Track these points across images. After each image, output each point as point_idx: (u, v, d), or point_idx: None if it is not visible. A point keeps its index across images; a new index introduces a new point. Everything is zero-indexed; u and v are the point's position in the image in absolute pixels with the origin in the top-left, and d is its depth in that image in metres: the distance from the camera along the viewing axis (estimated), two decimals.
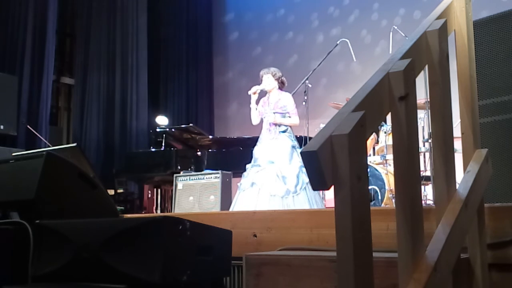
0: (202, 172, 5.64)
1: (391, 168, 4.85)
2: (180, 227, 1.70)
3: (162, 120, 7.97)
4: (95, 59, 8.47)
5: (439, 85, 1.54)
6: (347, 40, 5.45)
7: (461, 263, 1.57)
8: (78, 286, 1.74)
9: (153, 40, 9.42)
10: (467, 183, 1.60)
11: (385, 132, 5.24)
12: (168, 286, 1.62)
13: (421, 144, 4.61)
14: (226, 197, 5.17)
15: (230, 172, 5.39)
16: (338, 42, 5.41)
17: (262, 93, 4.83)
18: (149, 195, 7.25)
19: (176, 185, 5.45)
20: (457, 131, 1.76)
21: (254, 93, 4.74)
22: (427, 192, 4.86)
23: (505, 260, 1.76)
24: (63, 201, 2.09)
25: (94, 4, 8.58)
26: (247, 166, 4.72)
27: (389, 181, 4.73)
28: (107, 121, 8.42)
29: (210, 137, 6.91)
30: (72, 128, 8.56)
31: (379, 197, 4.77)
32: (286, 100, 4.71)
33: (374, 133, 5.25)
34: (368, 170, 4.42)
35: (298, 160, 4.51)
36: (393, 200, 4.52)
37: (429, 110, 3.28)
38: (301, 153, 1.05)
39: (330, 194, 4.93)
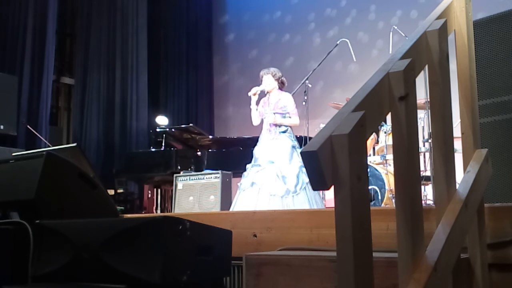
0: (202, 172, 5.64)
1: (391, 168, 4.85)
2: (180, 227, 1.70)
3: (162, 120, 7.97)
4: (95, 59, 8.47)
5: (439, 85, 1.54)
6: (347, 40, 5.45)
7: (461, 263, 1.57)
8: (78, 286, 1.74)
9: (153, 40, 9.42)
10: (467, 183, 1.60)
11: (385, 132, 5.24)
12: (168, 286, 1.62)
13: (421, 144, 4.61)
14: (226, 197, 5.17)
15: (230, 172, 5.39)
16: (338, 42, 5.41)
17: (262, 94, 4.83)
18: (149, 195, 7.25)
19: (176, 185, 5.45)
20: (457, 131, 1.76)
21: (254, 94, 4.74)
22: (427, 192, 4.86)
23: (505, 260, 1.76)
24: (63, 201, 2.09)
25: (94, 4, 8.58)
26: (247, 166, 4.73)
27: (389, 181, 4.73)
28: (107, 121, 8.42)
29: (210, 137, 6.91)
30: (72, 128, 8.56)
31: (379, 197, 4.77)
32: (286, 100, 4.71)
33: (374, 133, 5.25)
34: (368, 170, 4.42)
35: (298, 160, 4.52)
36: (393, 200, 4.52)
37: (429, 110, 3.28)
38: (301, 153, 1.05)
39: (330, 194, 4.93)
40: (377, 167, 4.92)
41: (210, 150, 6.64)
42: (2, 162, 2.25)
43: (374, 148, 5.50)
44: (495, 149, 2.21)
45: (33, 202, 1.99)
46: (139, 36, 8.98)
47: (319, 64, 5.35)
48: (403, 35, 5.07)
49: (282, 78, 4.84)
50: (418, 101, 2.15)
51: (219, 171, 5.27)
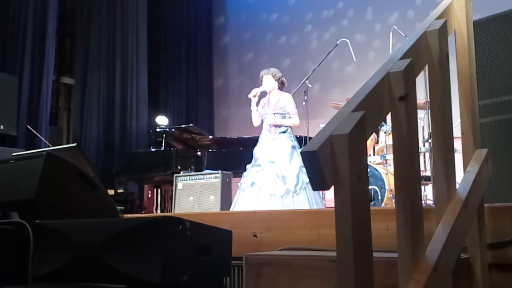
0: (202, 172, 5.64)
1: (391, 168, 4.85)
2: (180, 227, 1.70)
3: (162, 120, 7.97)
4: (95, 59, 8.47)
5: (439, 85, 1.54)
6: (347, 40, 5.45)
7: (461, 263, 1.57)
8: (78, 286, 1.74)
9: (153, 40, 9.42)
10: (467, 183, 1.60)
11: (385, 132, 5.24)
12: (168, 286, 1.62)
13: (421, 144, 4.61)
14: (226, 197, 5.17)
15: (230, 172, 5.39)
16: (338, 42, 5.41)
17: (262, 94, 4.84)
18: (149, 195, 7.25)
19: (176, 185, 5.45)
20: (457, 131, 1.76)
21: (254, 96, 4.75)
22: (427, 192, 4.86)
23: (505, 260, 1.76)
24: (63, 201, 2.09)
25: (94, 4, 8.58)
26: (247, 166, 4.73)
27: (389, 181, 4.73)
28: (107, 121, 8.42)
29: (210, 137, 6.91)
30: (72, 128, 8.56)
31: (379, 197, 4.77)
32: (286, 100, 4.71)
33: (374, 133, 5.25)
34: (368, 170, 4.42)
35: (298, 160, 4.52)
36: (393, 200, 4.52)
37: (429, 110, 3.28)
38: (301, 153, 1.05)
39: (330, 194, 4.93)
40: (377, 167, 4.92)
41: (210, 150, 6.64)
42: (2, 162, 2.25)
43: (374, 148, 5.50)
44: (495, 149, 2.21)
45: (33, 202, 1.99)
46: (139, 36, 8.98)
47: (319, 64, 5.35)
48: (403, 35, 5.07)
49: (282, 78, 4.84)
50: (418, 101, 2.15)
51: (219, 171, 5.27)
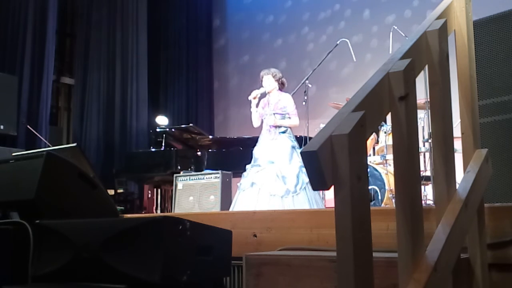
0: (202, 172, 5.64)
1: (391, 168, 4.85)
2: (180, 227, 1.70)
3: (162, 120, 7.97)
4: (95, 59, 8.47)
5: (439, 85, 1.54)
6: (347, 40, 5.45)
7: (461, 263, 1.57)
8: (78, 286, 1.74)
9: (153, 40, 9.42)
10: (467, 183, 1.60)
11: (385, 132, 5.23)
12: (168, 286, 1.62)
13: (421, 144, 4.60)
14: (226, 197, 5.17)
15: (230, 172, 5.39)
16: (338, 42, 5.41)
17: (262, 95, 4.85)
18: (149, 195, 7.25)
19: (176, 185, 5.45)
20: (457, 131, 1.76)
21: (254, 98, 4.75)
22: (427, 192, 4.86)
23: (505, 260, 1.76)
24: (63, 201, 2.08)
25: (94, 4, 8.58)
26: (247, 166, 4.73)
27: (389, 181, 4.73)
28: (107, 121, 8.42)
29: (210, 137, 6.91)
30: (72, 128, 8.57)
31: (379, 197, 4.77)
32: (286, 101, 4.72)
33: (374, 133, 5.25)
34: (368, 170, 4.42)
35: (298, 160, 4.52)
36: (393, 200, 4.52)
37: (429, 110, 3.28)
38: (301, 153, 1.05)
39: (330, 194, 4.93)
40: (377, 167, 4.92)
41: (210, 150, 6.64)
42: (2, 162, 2.25)
43: (374, 148, 5.50)
44: (495, 149, 2.21)
45: (33, 202, 1.99)
46: (139, 36, 8.98)
47: (318, 65, 5.36)
48: (403, 35, 5.07)
49: (282, 79, 4.85)
50: (418, 101, 2.15)
51: (219, 171, 5.27)
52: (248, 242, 2.42)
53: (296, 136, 4.82)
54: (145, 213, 6.89)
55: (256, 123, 4.84)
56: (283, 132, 4.68)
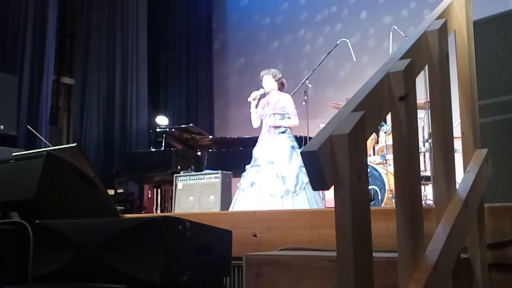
0: (202, 172, 5.64)
1: (391, 168, 4.85)
2: (180, 227, 1.70)
3: (162, 120, 7.97)
4: (95, 59, 8.47)
5: (439, 85, 1.54)
6: (347, 40, 5.45)
7: (461, 263, 1.57)
8: (78, 286, 1.74)
9: (153, 40, 9.42)
10: (467, 183, 1.60)
11: (385, 132, 5.24)
12: (168, 286, 1.62)
13: (421, 144, 4.61)
14: (226, 197, 5.17)
15: (230, 172, 5.39)
16: (338, 42, 5.41)
17: (262, 96, 4.85)
18: (149, 195, 7.25)
19: (176, 185, 5.45)
20: (457, 131, 1.76)
21: (254, 99, 4.76)
22: (427, 192, 4.86)
23: (505, 260, 1.76)
24: (63, 201, 2.09)
25: (94, 4, 8.58)
26: (247, 166, 4.73)
27: (389, 181, 4.73)
28: (107, 121, 8.42)
29: (210, 137, 6.91)
30: (72, 128, 8.56)
31: (379, 197, 4.77)
32: (285, 101, 4.72)
33: (374, 133, 5.25)
34: (368, 170, 4.42)
35: (297, 160, 4.52)
36: (393, 200, 4.52)
37: (429, 110, 3.28)
38: (301, 153, 1.04)
39: (330, 194, 4.93)
40: (377, 167, 4.92)
41: (210, 150, 6.64)
42: (2, 162, 2.25)
43: (374, 148, 5.50)
44: (495, 149, 2.21)
45: (33, 202, 1.99)
46: (139, 36, 8.98)
47: (318, 64, 5.37)
48: (403, 35, 5.07)
49: (282, 79, 4.85)
50: (418, 101, 2.15)
51: (219, 171, 5.27)
52: (248, 242, 2.42)
53: (296, 136, 4.82)
54: (145, 213, 6.89)
55: (255, 124, 4.84)
56: (283, 132, 4.68)
